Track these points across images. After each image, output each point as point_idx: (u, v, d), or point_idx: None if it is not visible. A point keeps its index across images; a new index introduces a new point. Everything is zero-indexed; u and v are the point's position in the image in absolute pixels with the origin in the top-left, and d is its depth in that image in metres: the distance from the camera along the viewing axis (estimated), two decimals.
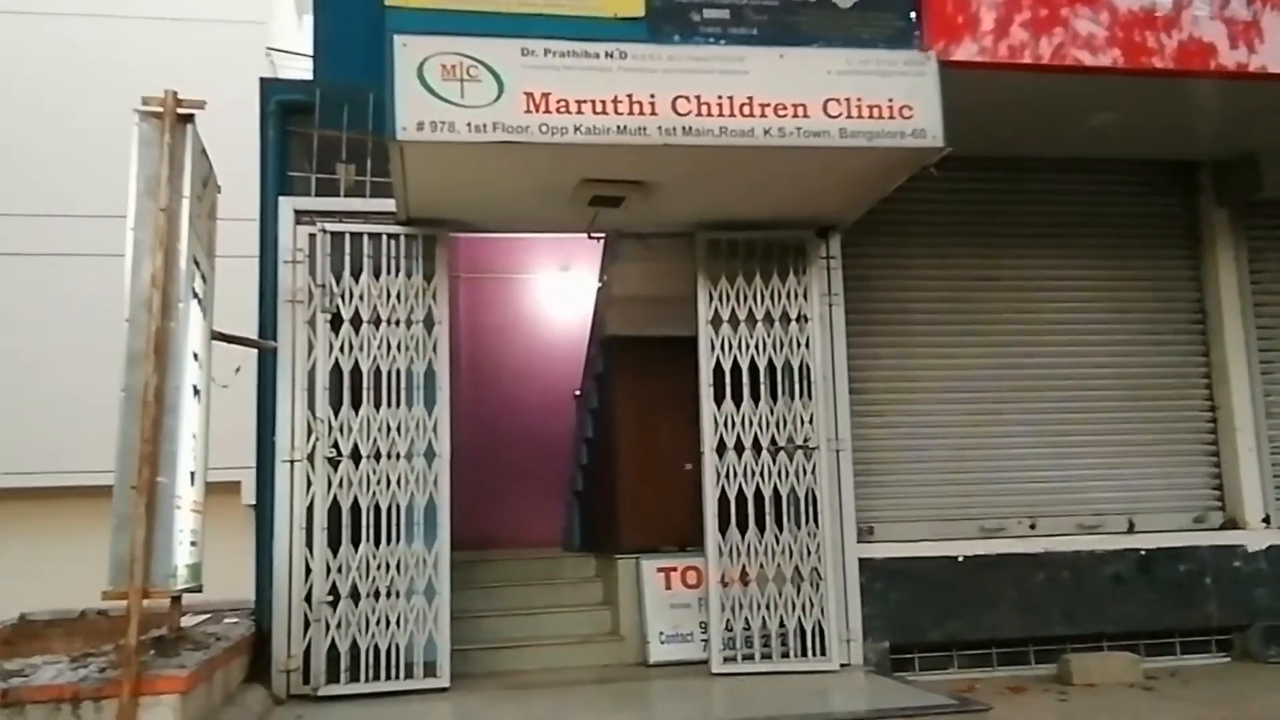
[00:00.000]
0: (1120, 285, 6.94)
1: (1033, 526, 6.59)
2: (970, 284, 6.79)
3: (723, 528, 5.88)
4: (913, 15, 5.13)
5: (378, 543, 5.51)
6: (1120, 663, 6.02)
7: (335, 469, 5.52)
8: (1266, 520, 6.74)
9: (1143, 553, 6.48)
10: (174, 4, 11.20)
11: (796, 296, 6.09)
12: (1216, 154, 6.91)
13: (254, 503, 5.71)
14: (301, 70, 9.80)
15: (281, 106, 5.93)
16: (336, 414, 5.56)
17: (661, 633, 6.21)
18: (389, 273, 5.73)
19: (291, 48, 11.40)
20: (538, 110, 4.69)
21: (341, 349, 5.61)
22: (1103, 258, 6.94)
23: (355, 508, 5.51)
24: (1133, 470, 6.78)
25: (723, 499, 5.89)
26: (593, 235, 6.29)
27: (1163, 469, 6.84)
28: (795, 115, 4.87)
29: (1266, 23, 5.46)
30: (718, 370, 5.98)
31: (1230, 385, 6.84)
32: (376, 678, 5.40)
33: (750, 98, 4.85)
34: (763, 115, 4.85)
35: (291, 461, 5.51)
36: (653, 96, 4.78)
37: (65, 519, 9.83)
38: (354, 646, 5.41)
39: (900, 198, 5.74)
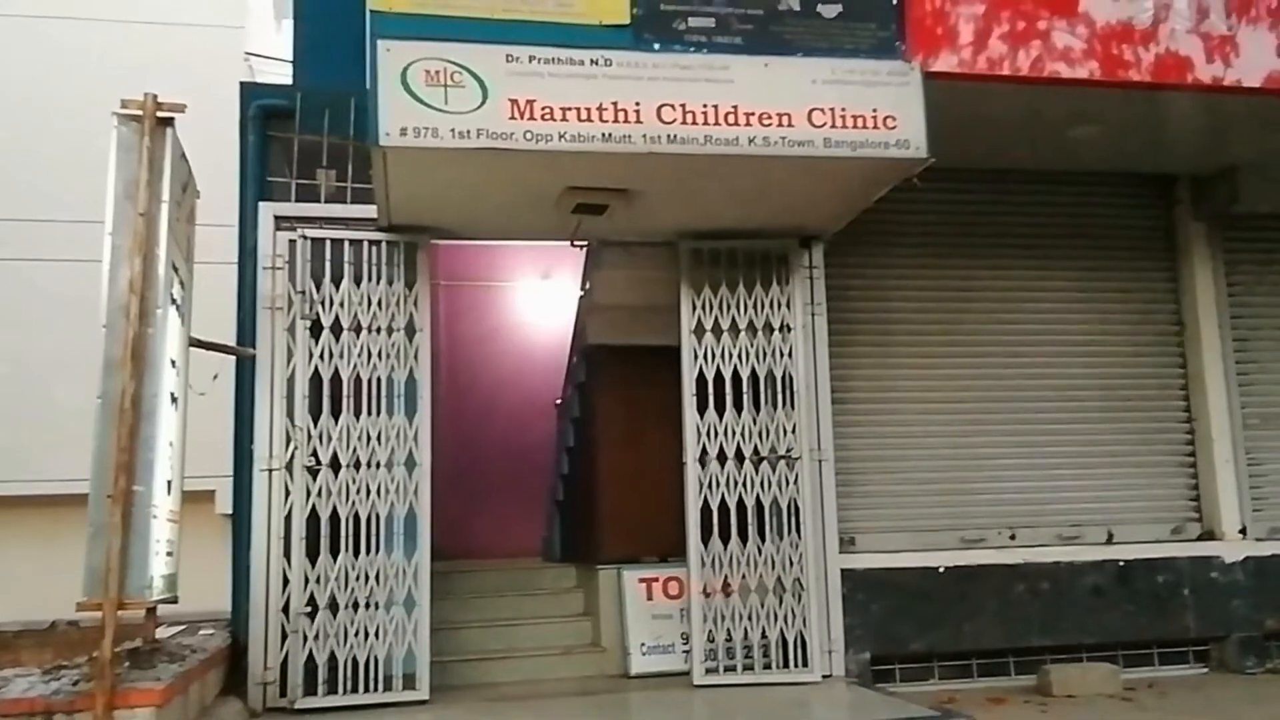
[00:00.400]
0: (1099, 296, 6.99)
1: (1012, 537, 6.61)
2: (952, 294, 6.81)
3: (705, 538, 5.85)
4: (895, 26, 5.15)
5: (357, 553, 5.44)
6: (1100, 674, 6.04)
7: (314, 478, 5.45)
8: (1243, 532, 6.78)
9: (1121, 564, 6.51)
10: (152, 8, 11.14)
11: (779, 306, 6.09)
12: (1194, 167, 6.97)
13: (228, 512, 5.63)
14: (279, 75, 9.74)
15: (262, 111, 5.88)
16: (316, 422, 5.49)
17: (643, 644, 6.17)
18: (370, 279, 5.67)
19: (269, 52, 11.36)
20: (522, 117, 4.67)
21: (321, 356, 5.55)
22: (1082, 269, 6.98)
23: (334, 517, 5.44)
24: (1111, 481, 6.81)
25: (705, 509, 5.86)
26: (575, 243, 6.27)
27: (1141, 480, 6.87)
28: (780, 124, 4.88)
29: (1242, 37, 5.50)
30: (700, 380, 5.96)
31: (1207, 396, 6.88)
32: (355, 690, 5.33)
33: (735, 107, 4.85)
34: (747, 124, 4.85)
35: (270, 470, 5.44)
36: (637, 104, 4.77)
37: (44, 527, 9.70)
38: (332, 658, 5.34)
39: (883, 208, 5.77)
